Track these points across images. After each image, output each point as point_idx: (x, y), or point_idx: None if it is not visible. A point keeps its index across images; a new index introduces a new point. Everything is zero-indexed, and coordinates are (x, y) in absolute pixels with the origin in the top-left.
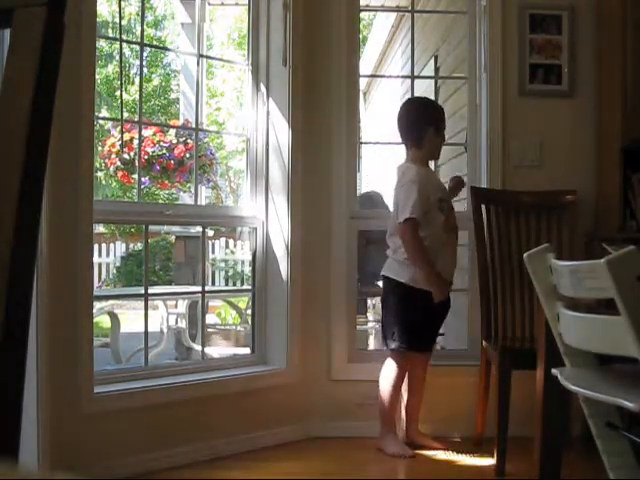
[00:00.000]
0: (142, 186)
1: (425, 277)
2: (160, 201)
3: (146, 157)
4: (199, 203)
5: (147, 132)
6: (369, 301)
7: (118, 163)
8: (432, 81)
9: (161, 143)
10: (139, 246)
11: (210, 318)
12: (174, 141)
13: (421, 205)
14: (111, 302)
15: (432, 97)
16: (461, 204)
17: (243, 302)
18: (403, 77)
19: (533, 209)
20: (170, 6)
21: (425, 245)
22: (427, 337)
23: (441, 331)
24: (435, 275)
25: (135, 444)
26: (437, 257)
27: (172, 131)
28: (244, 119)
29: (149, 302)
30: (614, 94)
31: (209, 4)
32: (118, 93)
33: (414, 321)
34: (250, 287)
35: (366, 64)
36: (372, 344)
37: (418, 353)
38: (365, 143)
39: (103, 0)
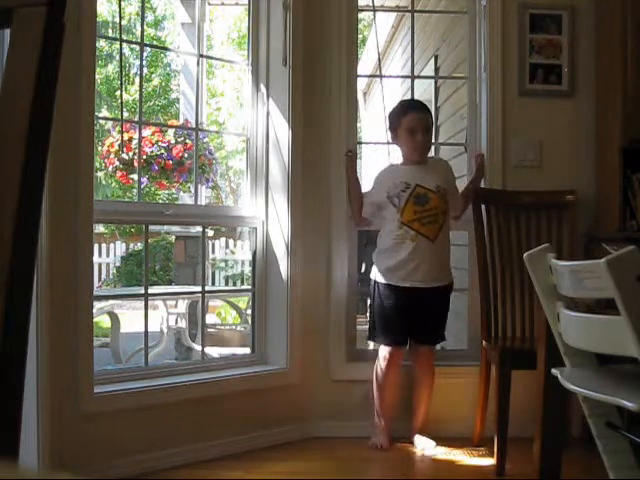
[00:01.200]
0: (142, 186)
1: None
2: (160, 201)
3: (144, 157)
4: (199, 203)
5: (146, 132)
6: (369, 301)
7: (117, 163)
8: (432, 81)
9: (159, 143)
10: (139, 246)
11: (210, 318)
12: (172, 141)
13: (374, 198)
14: (111, 302)
15: (432, 97)
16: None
17: (243, 302)
18: (403, 77)
19: (533, 209)
20: (170, 6)
21: (381, 246)
22: (392, 330)
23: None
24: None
25: (135, 444)
26: (390, 255)
27: (170, 131)
28: (244, 119)
29: (149, 302)
30: (614, 94)
31: (209, 4)
32: (118, 93)
33: (379, 315)
34: (250, 287)
35: (366, 64)
36: (372, 344)
37: (390, 347)
38: (365, 143)
39: (103, 0)
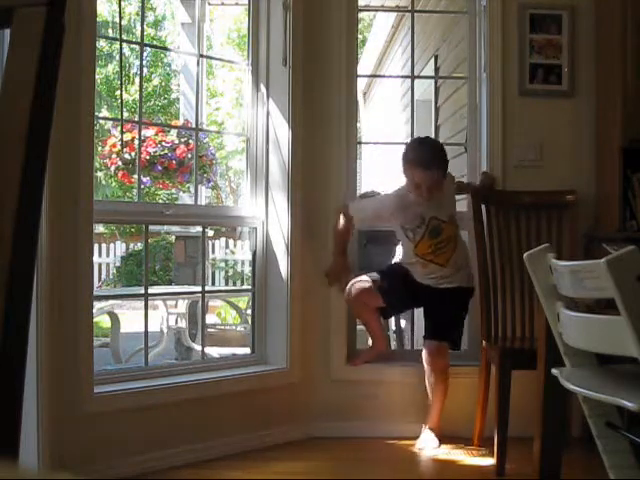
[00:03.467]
0: (143, 186)
1: None
2: (160, 201)
3: (148, 157)
4: (199, 203)
5: (149, 132)
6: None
7: (119, 163)
8: (432, 81)
9: (163, 143)
10: (139, 246)
11: (210, 318)
12: (176, 141)
13: (369, 216)
14: (111, 302)
15: (432, 97)
16: (461, 204)
17: (243, 302)
18: (403, 77)
19: (533, 209)
20: (170, 6)
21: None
22: (391, 291)
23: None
24: (334, 257)
25: (135, 444)
26: (412, 271)
27: (174, 131)
28: (244, 119)
29: (149, 302)
30: (614, 94)
31: (209, 4)
32: (118, 93)
33: (387, 271)
34: (250, 287)
35: (366, 64)
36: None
37: (371, 286)
38: (365, 143)
39: (103, 0)
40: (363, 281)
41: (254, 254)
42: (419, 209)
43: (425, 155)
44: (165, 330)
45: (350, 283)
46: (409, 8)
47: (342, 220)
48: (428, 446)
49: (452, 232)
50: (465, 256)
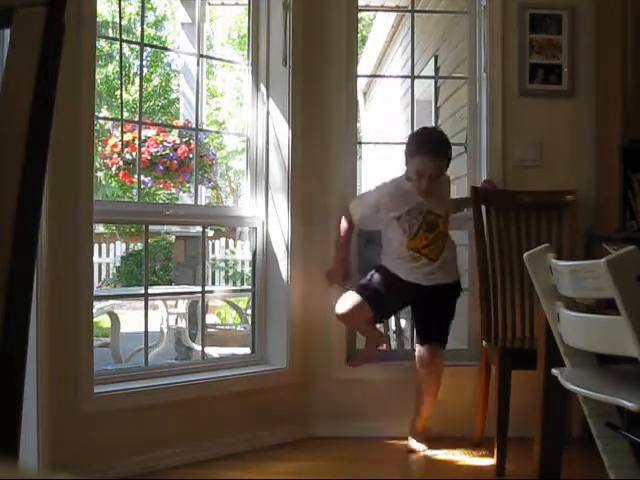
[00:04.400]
0: (143, 186)
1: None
2: (160, 201)
3: (149, 157)
4: (199, 203)
5: (150, 132)
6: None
7: (120, 163)
8: (432, 81)
9: (164, 143)
10: (139, 246)
11: (210, 318)
12: (177, 141)
13: (368, 210)
14: (111, 302)
15: (432, 97)
16: None
17: (243, 302)
18: (403, 77)
19: (533, 209)
20: (170, 6)
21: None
22: (379, 299)
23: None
24: (335, 259)
25: (135, 444)
26: (397, 269)
27: (175, 131)
28: (244, 119)
29: (149, 302)
30: (614, 94)
31: (209, 4)
32: (118, 93)
33: (372, 278)
34: (250, 287)
35: (366, 64)
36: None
37: (361, 298)
38: (365, 143)
39: (103, 0)
40: (351, 297)
41: (254, 254)
42: (417, 200)
43: (434, 143)
44: (165, 330)
45: (339, 301)
46: (409, 8)
47: (344, 223)
48: (418, 451)
49: (445, 228)
50: (454, 254)
